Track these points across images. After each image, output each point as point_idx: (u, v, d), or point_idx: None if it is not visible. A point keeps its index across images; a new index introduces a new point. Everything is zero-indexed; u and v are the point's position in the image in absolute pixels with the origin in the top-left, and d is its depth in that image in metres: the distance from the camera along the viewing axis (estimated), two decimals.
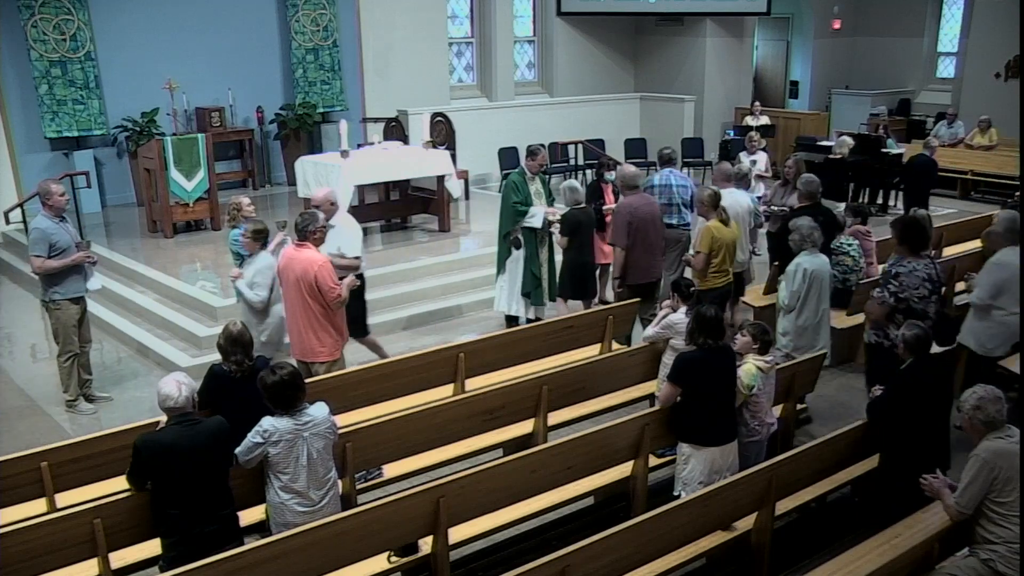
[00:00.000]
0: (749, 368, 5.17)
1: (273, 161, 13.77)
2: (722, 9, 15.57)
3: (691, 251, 7.46)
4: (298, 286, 5.98)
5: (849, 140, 12.54)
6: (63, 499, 4.75)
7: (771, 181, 10.52)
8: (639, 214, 7.41)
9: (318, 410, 4.40)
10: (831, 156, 12.22)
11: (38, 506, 4.71)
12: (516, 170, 8.61)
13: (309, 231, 6.04)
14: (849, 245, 7.88)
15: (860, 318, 7.73)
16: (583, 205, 7.98)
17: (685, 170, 14.99)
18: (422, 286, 9.30)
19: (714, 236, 7.01)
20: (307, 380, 5.01)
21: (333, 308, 6.04)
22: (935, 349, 5.37)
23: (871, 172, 12.95)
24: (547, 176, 9.31)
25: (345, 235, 6.77)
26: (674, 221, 8.37)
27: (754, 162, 10.88)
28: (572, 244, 7.88)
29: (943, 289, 5.97)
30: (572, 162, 14.02)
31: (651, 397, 6.26)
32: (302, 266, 5.94)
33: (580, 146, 14.28)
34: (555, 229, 8.17)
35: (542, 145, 8.90)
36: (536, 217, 8.08)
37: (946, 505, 4.38)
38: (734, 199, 7.97)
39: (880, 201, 13.43)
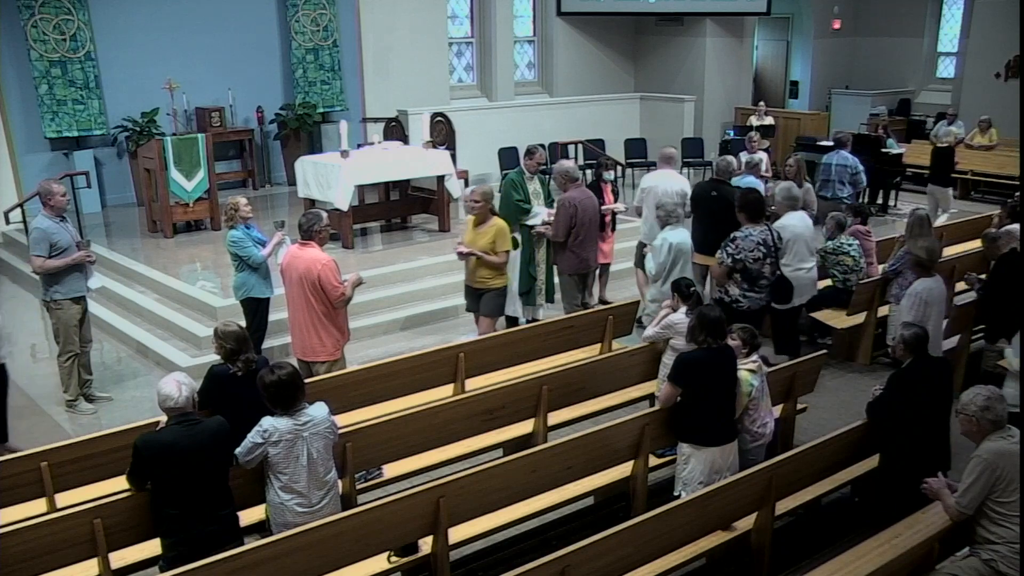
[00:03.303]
0: (743, 375, 5.15)
1: (273, 161, 13.77)
2: (722, 9, 15.56)
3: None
4: (301, 284, 6.00)
5: (955, 130, 13.17)
6: (63, 499, 4.75)
7: (772, 181, 10.51)
8: (583, 207, 7.74)
9: (318, 410, 4.40)
10: (939, 145, 12.71)
11: (38, 506, 4.71)
12: (515, 170, 8.63)
13: (314, 231, 6.07)
14: (849, 245, 7.89)
15: (861, 318, 7.76)
16: None
17: (685, 170, 15.05)
18: (422, 286, 9.30)
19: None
20: (307, 380, 5.01)
21: (336, 307, 6.06)
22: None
23: (871, 172, 12.95)
24: (546, 176, 9.31)
25: None
26: (827, 195, 10.25)
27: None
28: None
29: (778, 253, 6.78)
30: (572, 162, 14.00)
31: (651, 397, 6.26)
32: (305, 265, 5.97)
33: (580, 146, 14.28)
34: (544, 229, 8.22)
35: (541, 145, 8.92)
36: (538, 216, 8.10)
37: (947, 505, 4.38)
38: (668, 182, 8.52)
39: (880, 201, 13.44)
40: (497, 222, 7.19)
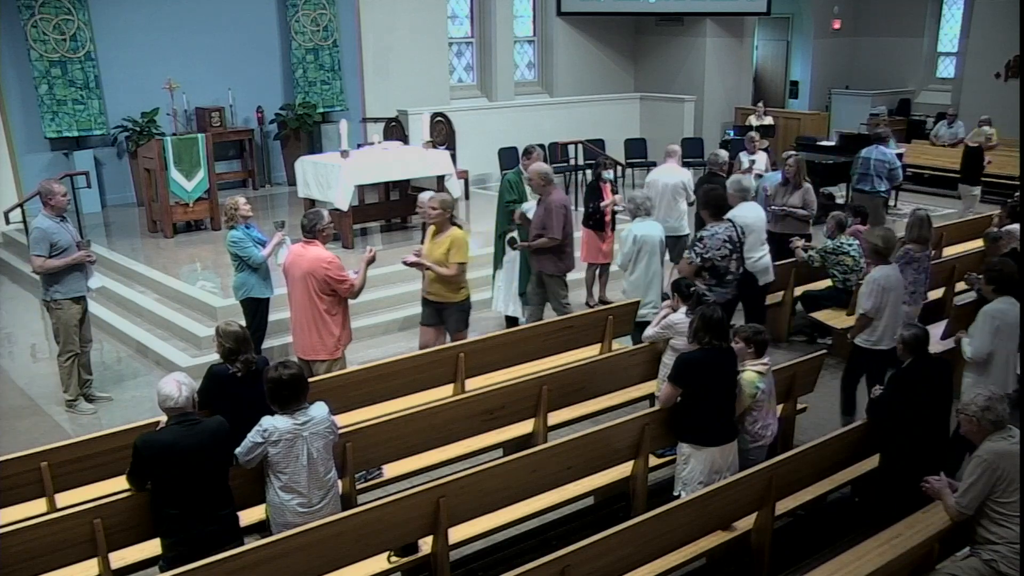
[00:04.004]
0: (749, 376, 5.14)
1: (273, 161, 13.78)
2: (722, 9, 15.56)
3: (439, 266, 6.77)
4: (304, 282, 6.03)
5: (988, 130, 13.36)
6: (63, 499, 4.74)
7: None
8: (568, 208, 7.69)
9: (318, 410, 4.40)
10: (970, 145, 13.04)
11: (38, 506, 4.70)
12: (513, 170, 8.61)
13: (317, 229, 6.11)
14: (849, 245, 7.89)
15: None
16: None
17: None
18: (422, 286, 9.28)
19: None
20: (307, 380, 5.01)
21: (351, 298, 6.18)
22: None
23: None
24: None
25: None
26: (865, 188, 10.49)
27: (753, 162, 10.89)
28: None
29: (742, 247, 6.96)
30: (572, 162, 14.01)
31: (651, 397, 6.26)
32: (310, 264, 6.00)
33: (580, 146, 14.28)
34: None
35: (541, 145, 8.91)
36: (532, 210, 8.07)
37: (947, 505, 4.38)
38: (669, 175, 8.92)
39: None
40: (454, 232, 6.70)
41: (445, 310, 6.91)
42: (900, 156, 13.45)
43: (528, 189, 8.18)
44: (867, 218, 8.54)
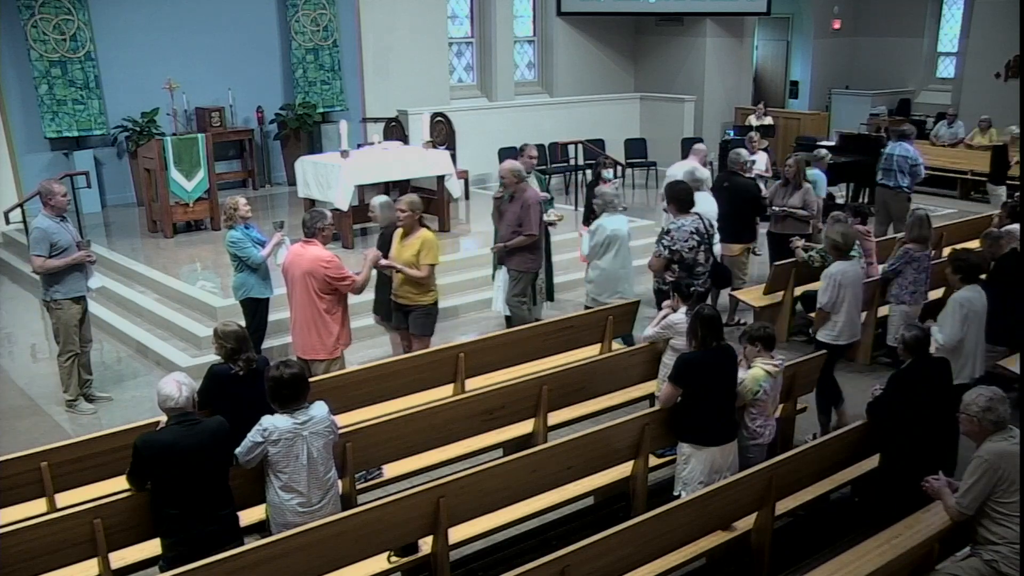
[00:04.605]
0: (756, 373, 5.14)
1: (273, 161, 13.77)
2: (722, 9, 15.56)
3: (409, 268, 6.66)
4: (304, 282, 6.04)
5: (1014, 129, 13.40)
6: (63, 499, 4.74)
7: (771, 181, 10.51)
8: (541, 204, 7.69)
9: (318, 409, 4.40)
10: (996, 144, 13.29)
11: (38, 506, 4.70)
12: None
13: (318, 228, 6.13)
14: None
15: (861, 318, 7.75)
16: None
17: None
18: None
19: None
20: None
21: (355, 294, 6.22)
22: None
23: (871, 172, 12.95)
24: (546, 176, 9.29)
25: None
26: (889, 183, 10.66)
27: (753, 162, 10.87)
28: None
29: (711, 240, 7.00)
30: (572, 162, 14.03)
31: (651, 397, 6.26)
32: (310, 263, 6.01)
33: (580, 146, 14.29)
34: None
35: (540, 145, 8.89)
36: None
37: (947, 505, 4.37)
38: (680, 171, 8.87)
39: None
40: (424, 234, 6.64)
41: (411, 312, 6.84)
42: None
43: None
44: (867, 218, 8.52)
